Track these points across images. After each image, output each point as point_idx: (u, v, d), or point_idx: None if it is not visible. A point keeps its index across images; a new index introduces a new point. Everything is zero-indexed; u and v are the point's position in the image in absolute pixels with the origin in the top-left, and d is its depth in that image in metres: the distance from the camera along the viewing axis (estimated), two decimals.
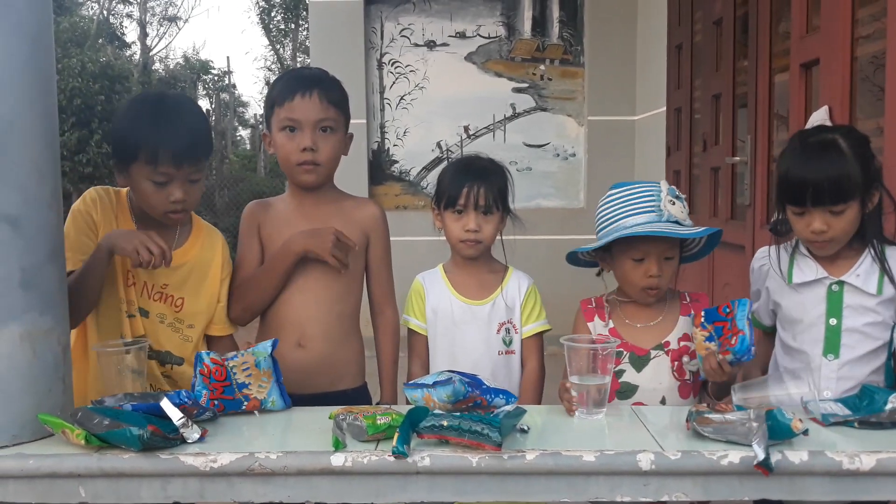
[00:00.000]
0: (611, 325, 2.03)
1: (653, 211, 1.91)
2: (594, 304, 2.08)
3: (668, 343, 1.98)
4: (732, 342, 1.77)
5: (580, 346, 1.74)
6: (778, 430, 1.46)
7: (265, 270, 2.14)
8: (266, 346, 1.76)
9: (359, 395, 2.19)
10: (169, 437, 1.46)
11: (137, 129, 1.91)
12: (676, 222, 1.90)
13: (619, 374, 2.00)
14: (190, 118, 1.99)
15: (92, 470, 1.46)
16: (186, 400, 1.55)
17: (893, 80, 2.50)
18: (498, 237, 2.17)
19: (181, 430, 1.48)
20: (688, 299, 2.07)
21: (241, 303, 2.12)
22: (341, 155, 2.17)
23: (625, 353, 2.00)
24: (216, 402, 1.68)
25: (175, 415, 1.49)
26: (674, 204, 1.92)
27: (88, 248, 1.90)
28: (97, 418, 1.48)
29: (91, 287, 1.88)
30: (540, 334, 2.19)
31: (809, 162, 1.83)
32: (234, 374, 1.69)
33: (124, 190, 2.04)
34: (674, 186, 1.96)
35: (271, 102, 2.13)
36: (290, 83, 2.11)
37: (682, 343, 1.98)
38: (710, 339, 1.83)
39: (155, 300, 1.99)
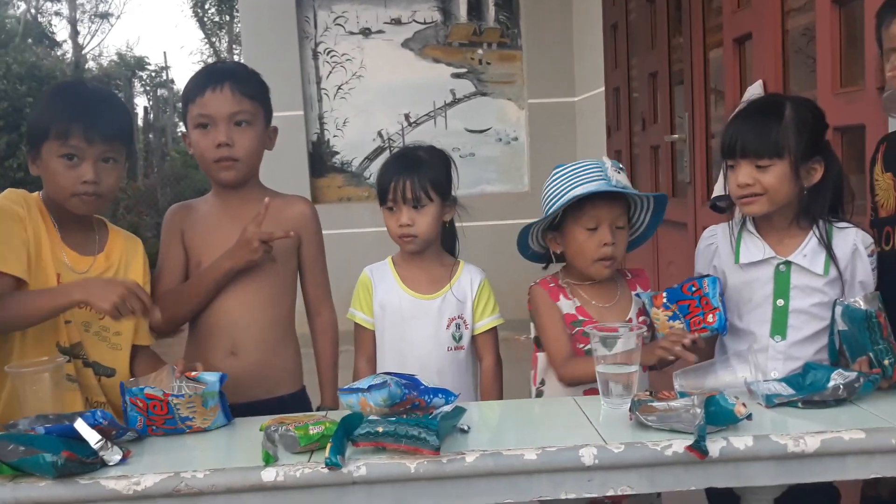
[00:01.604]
0: (577, 303, 1.99)
1: (602, 179, 1.89)
2: (554, 284, 2.03)
3: (630, 320, 1.95)
4: (710, 320, 1.78)
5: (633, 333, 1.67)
6: (721, 416, 1.43)
7: (194, 285, 2.05)
8: (214, 385, 1.63)
9: (297, 401, 2.12)
10: (86, 462, 1.37)
11: (49, 106, 1.87)
12: (625, 188, 1.90)
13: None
14: (104, 96, 1.93)
15: (6, 500, 1.36)
16: (102, 420, 1.46)
17: (825, 51, 2.50)
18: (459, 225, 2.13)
19: (100, 453, 1.40)
20: (629, 276, 2.06)
21: (165, 314, 2.03)
22: (263, 149, 2.08)
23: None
24: (154, 428, 1.59)
25: (92, 437, 1.40)
26: (619, 173, 1.92)
27: (16, 244, 1.79)
28: (11, 445, 1.38)
29: (27, 323, 1.80)
30: (494, 329, 2.14)
31: (745, 117, 1.87)
32: (178, 409, 1.58)
33: (35, 194, 1.93)
34: (616, 160, 1.96)
35: (185, 100, 2.04)
36: (201, 78, 2.03)
37: (640, 319, 1.96)
38: (674, 317, 1.82)
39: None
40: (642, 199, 1.98)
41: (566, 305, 1.99)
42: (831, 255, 1.82)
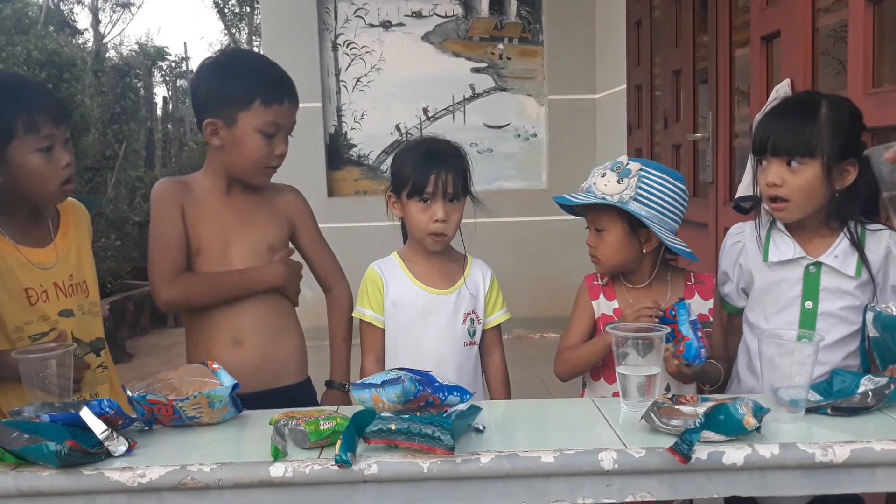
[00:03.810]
0: (616, 305, 1.95)
1: (589, 185, 1.92)
2: (598, 282, 2.00)
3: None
4: (681, 349, 1.73)
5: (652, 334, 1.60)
6: (729, 426, 1.37)
7: (228, 284, 2.00)
8: (225, 390, 1.57)
9: (302, 391, 2.08)
10: (91, 452, 1.33)
11: (3, 106, 1.76)
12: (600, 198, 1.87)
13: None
14: (31, 77, 1.93)
15: (8, 490, 1.33)
16: (108, 409, 1.42)
17: (857, 49, 2.43)
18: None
19: (105, 443, 1.36)
20: (692, 280, 1.99)
21: (186, 295, 1.99)
22: None
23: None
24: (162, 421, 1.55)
25: (98, 427, 1.37)
26: (604, 176, 1.87)
27: None
28: (15, 433, 1.35)
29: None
30: (500, 325, 2.11)
31: (779, 115, 1.80)
32: (184, 410, 1.53)
33: None
34: (622, 159, 1.89)
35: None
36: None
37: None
38: (667, 340, 1.76)
39: (71, 295, 1.87)
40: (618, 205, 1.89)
41: (605, 306, 1.96)
42: (863, 258, 1.76)
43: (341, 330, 2.19)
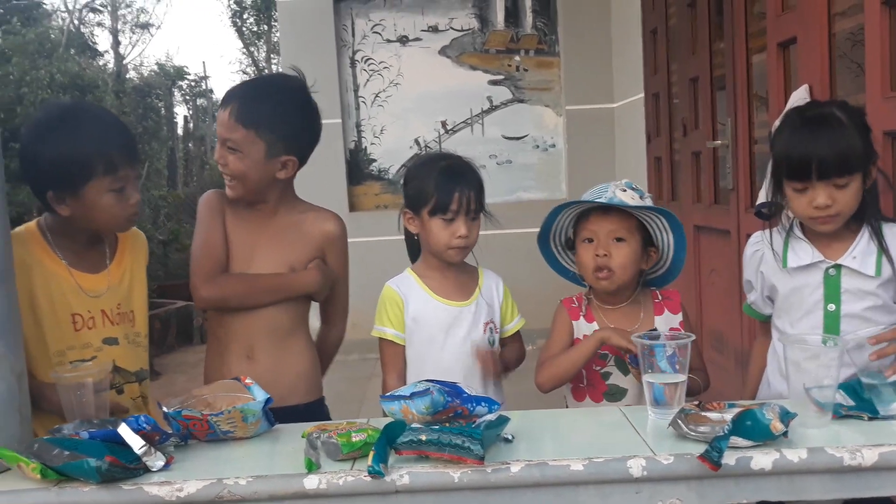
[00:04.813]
0: (596, 327, 1.97)
1: (599, 198, 1.91)
2: (577, 304, 2.03)
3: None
4: None
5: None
6: (756, 431, 1.38)
7: (264, 286, 2.04)
8: (258, 405, 1.60)
9: (312, 411, 2.07)
10: (129, 468, 1.37)
11: (83, 144, 1.77)
12: (621, 203, 1.89)
13: (606, 376, 1.95)
14: (112, 115, 1.96)
15: None
16: (146, 425, 1.46)
17: (874, 53, 2.43)
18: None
19: (144, 459, 1.40)
20: (660, 298, 2.03)
21: (223, 293, 2.01)
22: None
23: (610, 356, 1.93)
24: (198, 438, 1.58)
25: (136, 443, 1.40)
26: (624, 191, 1.91)
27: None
28: (56, 450, 1.39)
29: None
30: (519, 331, 2.14)
31: (812, 135, 1.77)
32: (218, 425, 1.56)
33: (31, 224, 1.89)
34: (631, 181, 1.97)
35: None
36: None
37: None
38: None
39: (117, 323, 1.89)
40: (650, 215, 1.93)
41: (585, 327, 1.99)
42: (885, 252, 1.77)
43: (327, 360, 2.26)
